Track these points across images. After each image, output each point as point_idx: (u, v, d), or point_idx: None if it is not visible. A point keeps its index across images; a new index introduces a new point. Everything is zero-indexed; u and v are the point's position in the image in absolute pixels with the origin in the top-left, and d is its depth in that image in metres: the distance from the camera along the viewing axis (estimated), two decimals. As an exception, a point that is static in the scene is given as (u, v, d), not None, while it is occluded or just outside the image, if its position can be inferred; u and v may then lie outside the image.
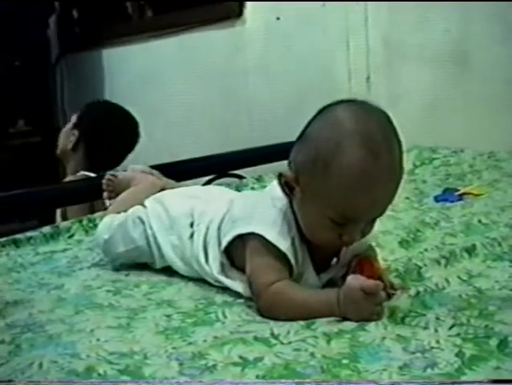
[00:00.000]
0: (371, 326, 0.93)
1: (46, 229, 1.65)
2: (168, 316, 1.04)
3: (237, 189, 1.91)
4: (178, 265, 1.25)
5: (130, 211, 1.36)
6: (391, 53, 2.59)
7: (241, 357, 0.86)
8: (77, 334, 0.97)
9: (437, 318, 0.95)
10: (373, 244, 1.18)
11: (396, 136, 1.01)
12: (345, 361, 0.83)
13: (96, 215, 1.71)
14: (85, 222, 1.70)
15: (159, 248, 1.28)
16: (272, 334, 0.93)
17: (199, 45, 3.18)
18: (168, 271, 1.27)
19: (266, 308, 1.02)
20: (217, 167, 2.34)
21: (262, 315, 1.02)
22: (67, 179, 2.47)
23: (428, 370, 0.79)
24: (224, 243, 1.13)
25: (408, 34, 2.53)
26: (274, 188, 1.09)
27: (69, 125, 2.54)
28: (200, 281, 1.20)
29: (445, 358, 0.82)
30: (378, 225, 1.11)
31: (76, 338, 0.95)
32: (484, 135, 2.32)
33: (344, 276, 1.02)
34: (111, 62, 3.61)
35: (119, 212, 1.39)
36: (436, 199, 1.76)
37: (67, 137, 2.51)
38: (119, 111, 2.53)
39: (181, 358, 0.87)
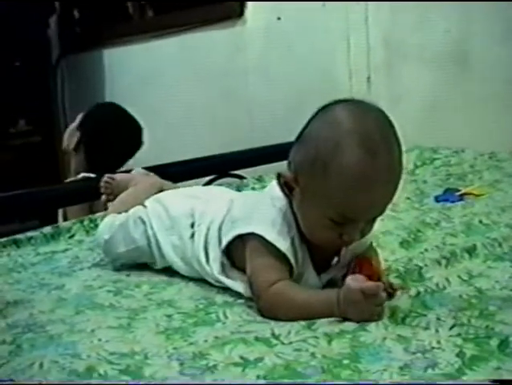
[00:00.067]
0: (371, 326, 0.93)
1: (47, 230, 1.66)
2: (169, 316, 1.04)
3: (238, 189, 1.91)
4: (179, 266, 1.25)
5: (131, 211, 1.36)
6: (391, 53, 2.59)
7: (241, 357, 0.86)
8: (78, 335, 0.97)
9: (438, 319, 0.95)
10: (374, 244, 1.18)
11: (394, 135, 1.01)
12: (346, 361, 0.83)
13: (97, 215, 1.71)
14: (86, 222, 1.70)
15: (159, 248, 1.28)
16: (273, 335, 0.93)
17: (200, 45, 3.19)
18: (169, 271, 1.27)
19: (267, 308, 1.02)
20: (218, 167, 2.34)
21: (262, 315, 1.02)
22: (69, 180, 2.47)
23: (429, 371, 0.79)
24: (224, 243, 1.13)
25: (409, 34, 2.54)
26: (274, 188, 1.09)
27: (74, 124, 2.53)
28: (200, 281, 1.20)
29: (446, 358, 0.82)
30: (378, 226, 1.11)
31: (77, 339, 0.95)
32: (485, 136, 2.32)
33: (344, 276, 1.02)
34: (112, 63, 3.61)
35: (119, 213, 1.39)
36: (437, 199, 1.76)
37: (70, 137, 2.50)
38: (123, 116, 2.49)
39: (182, 358, 0.87)
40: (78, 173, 2.41)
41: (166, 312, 1.06)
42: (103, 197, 1.54)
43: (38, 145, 3.51)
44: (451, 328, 0.91)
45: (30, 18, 3.37)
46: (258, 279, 1.04)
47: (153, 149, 2.64)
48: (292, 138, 1.08)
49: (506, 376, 0.77)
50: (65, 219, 2.14)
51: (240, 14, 3.00)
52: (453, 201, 1.71)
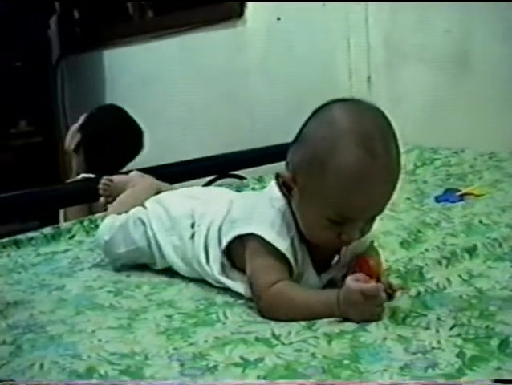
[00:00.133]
0: (372, 326, 0.93)
1: (47, 230, 1.66)
2: (169, 317, 1.04)
3: (238, 190, 1.91)
4: (179, 266, 1.25)
5: (131, 212, 1.36)
6: (391, 53, 2.59)
7: (242, 357, 0.86)
8: (78, 335, 0.97)
9: (438, 319, 0.95)
10: (375, 244, 1.18)
11: (392, 134, 1.01)
12: (346, 361, 0.83)
13: (97, 216, 1.71)
14: (86, 223, 1.70)
15: (160, 249, 1.28)
16: (273, 335, 0.93)
17: (200, 45, 3.19)
18: (169, 272, 1.28)
19: (267, 309, 1.02)
20: (218, 167, 2.34)
21: (262, 316, 1.02)
22: (69, 181, 2.47)
23: (429, 371, 0.80)
24: (224, 244, 1.13)
25: (409, 34, 2.53)
26: (273, 188, 1.09)
27: (75, 125, 2.53)
28: (201, 281, 1.20)
29: (446, 358, 0.82)
30: (379, 226, 1.11)
31: (77, 339, 0.95)
32: (485, 136, 2.32)
33: (345, 276, 1.02)
34: (112, 63, 3.62)
35: (119, 213, 1.39)
36: (437, 199, 1.76)
37: (71, 137, 2.50)
38: (124, 119, 2.48)
39: (182, 358, 0.87)
40: (78, 174, 2.41)
41: (166, 312, 1.06)
42: (102, 199, 1.54)
43: (39, 145, 3.51)
44: (451, 328, 0.91)
45: (30, 19, 3.37)
46: (258, 280, 1.04)
47: (153, 150, 2.64)
48: (292, 138, 1.08)
49: (507, 376, 0.77)
50: (65, 220, 2.14)
51: (240, 14, 3.00)
52: (453, 201, 1.71)
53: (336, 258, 1.10)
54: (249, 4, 2.98)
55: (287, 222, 1.06)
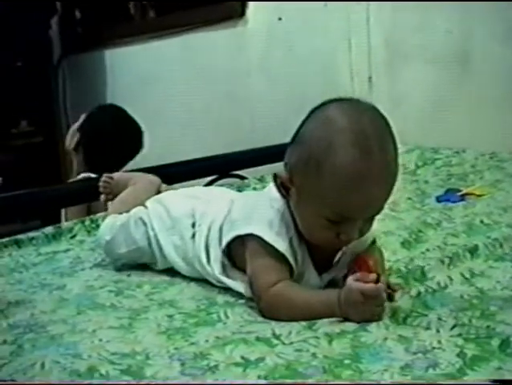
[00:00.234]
0: (372, 326, 0.93)
1: (49, 230, 1.66)
2: (170, 316, 1.04)
3: (239, 190, 1.91)
4: (180, 266, 1.25)
5: (132, 212, 1.36)
6: (393, 53, 2.59)
7: (242, 357, 0.86)
8: (79, 335, 0.97)
9: (439, 319, 0.95)
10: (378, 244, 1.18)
11: (389, 133, 1.00)
12: (347, 361, 0.83)
13: (98, 215, 1.72)
14: (87, 223, 1.71)
15: (160, 249, 1.28)
16: (274, 335, 0.93)
17: (201, 45, 3.18)
18: (170, 271, 1.28)
19: (268, 309, 1.02)
20: (219, 167, 2.34)
21: (263, 316, 1.02)
22: (70, 181, 2.47)
23: (430, 371, 0.80)
24: (223, 243, 1.14)
25: (410, 35, 2.53)
26: (272, 188, 1.09)
27: (76, 125, 2.53)
28: (202, 281, 1.20)
29: (447, 358, 0.82)
30: (380, 226, 1.11)
31: (78, 339, 0.95)
32: (486, 136, 2.32)
33: (346, 276, 1.02)
34: (114, 63, 3.61)
35: (121, 213, 1.39)
36: (438, 199, 1.76)
37: (71, 137, 2.51)
38: (123, 118, 2.48)
39: (183, 358, 0.87)
40: (78, 173, 2.41)
41: (167, 312, 1.06)
42: (102, 197, 1.54)
43: (40, 145, 3.51)
44: (452, 328, 0.91)
45: (31, 19, 3.37)
46: (259, 280, 1.04)
47: (154, 149, 2.64)
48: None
49: (507, 376, 0.77)
50: (65, 220, 2.14)
51: (241, 14, 2.99)
52: (454, 201, 1.71)
53: (337, 258, 1.10)
54: (251, 4, 2.98)
55: (286, 222, 1.06)
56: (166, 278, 1.26)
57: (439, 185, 1.95)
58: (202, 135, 3.17)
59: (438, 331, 0.91)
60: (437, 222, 1.50)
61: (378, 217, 1.06)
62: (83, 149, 2.45)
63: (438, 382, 0.77)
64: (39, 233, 1.64)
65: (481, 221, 1.47)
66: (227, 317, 1.03)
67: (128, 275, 1.29)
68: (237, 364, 0.84)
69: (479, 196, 1.74)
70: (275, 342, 0.91)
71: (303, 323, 0.96)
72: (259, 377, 0.81)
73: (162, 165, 2.07)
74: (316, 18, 2.75)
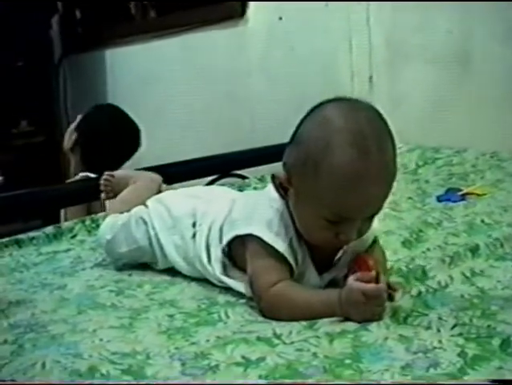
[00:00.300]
0: (373, 326, 0.93)
1: (49, 230, 1.66)
2: (171, 316, 1.04)
3: (240, 189, 1.91)
4: (181, 265, 1.25)
5: (133, 211, 1.36)
6: (393, 53, 2.59)
7: (243, 357, 0.86)
8: (80, 334, 0.97)
9: (440, 318, 0.95)
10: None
11: (388, 133, 1.00)
12: (347, 361, 0.83)
13: (99, 215, 1.72)
14: (88, 222, 1.70)
15: (161, 248, 1.28)
16: (274, 334, 0.93)
17: (201, 45, 3.18)
18: (171, 271, 1.28)
19: (268, 309, 1.02)
20: (220, 167, 2.34)
21: (264, 316, 1.02)
22: (69, 181, 2.46)
23: (431, 371, 0.80)
24: (223, 243, 1.13)
25: (411, 35, 2.53)
26: (272, 188, 1.09)
27: (73, 125, 2.53)
28: (202, 281, 1.20)
29: (448, 358, 0.82)
30: (380, 225, 1.11)
31: (79, 338, 0.95)
32: (486, 135, 2.32)
33: (346, 276, 1.01)
34: (114, 63, 3.61)
35: (121, 212, 1.39)
36: (439, 199, 1.75)
37: (69, 137, 2.51)
38: (120, 118, 2.47)
39: (184, 358, 0.87)
40: (76, 173, 2.41)
41: (168, 312, 1.06)
42: (103, 195, 1.54)
43: (41, 145, 3.51)
44: (453, 328, 0.91)
45: (32, 18, 3.37)
46: (259, 280, 1.04)
47: (155, 149, 2.64)
48: (291, 139, 1.08)
49: (508, 376, 0.77)
50: (65, 219, 2.14)
51: (242, 14, 2.99)
52: (454, 201, 1.71)
53: (337, 258, 1.10)
54: (251, 4, 2.98)
55: (286, 223, 1.06)
56: (167, 278, 1.26)
57: (440, 185, 1.95)
58: (202, 135, 3.17)
59: (439, 331, 0.91)
60: (438, 222, 1.50)
61: (378, 217, 1.05)
62: (81, 149, 2.45)
63: (439, 382, 0.77)
64: (40, 233, 1.64)
65: (482, 221, 1.47)
66: (228, 317, 1.03)
67: (129, 275, 1.29)
68: (237, 364, 0.84)
69: (480, 195, 1.74)
70: (276, 341, 0.91)
71: (304, 323, 0.96)
72: (260, 377, 0.80)
73: (162, 165, 2.07)
74: (317, 18, 2.75)
